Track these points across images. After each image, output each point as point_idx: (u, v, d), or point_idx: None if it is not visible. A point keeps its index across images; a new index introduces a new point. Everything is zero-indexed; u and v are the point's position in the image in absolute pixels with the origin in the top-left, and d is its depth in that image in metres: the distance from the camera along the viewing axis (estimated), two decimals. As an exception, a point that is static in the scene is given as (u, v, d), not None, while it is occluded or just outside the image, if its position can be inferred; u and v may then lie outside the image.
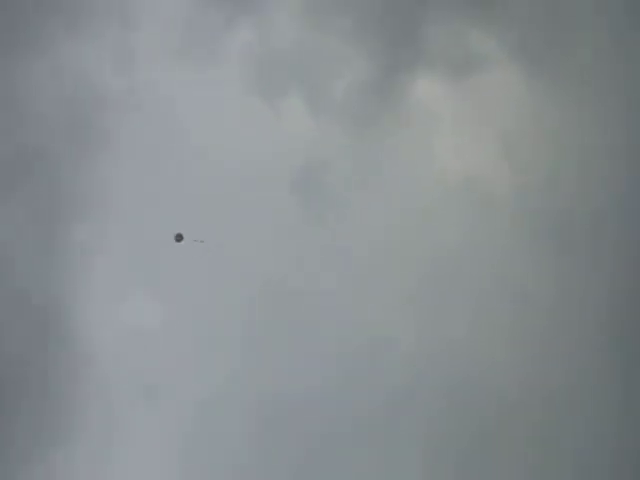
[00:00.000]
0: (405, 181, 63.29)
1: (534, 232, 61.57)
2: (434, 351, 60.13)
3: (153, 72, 61.72)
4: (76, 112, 59.63)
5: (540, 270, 61.04)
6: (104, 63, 60.92)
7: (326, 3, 64.35)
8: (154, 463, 57.42)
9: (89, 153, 59.60)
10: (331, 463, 59.03)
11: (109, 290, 59.25)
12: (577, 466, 58.54)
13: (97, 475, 56.75)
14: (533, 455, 59.92)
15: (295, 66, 64.47)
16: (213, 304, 59.53)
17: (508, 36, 65.17)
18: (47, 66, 59.63)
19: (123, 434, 57.45)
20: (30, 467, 55.65)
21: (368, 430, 59.07)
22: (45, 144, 58.71)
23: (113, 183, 59.69)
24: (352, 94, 64.47)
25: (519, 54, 64.79)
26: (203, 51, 62.96)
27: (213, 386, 58.17)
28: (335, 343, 59.89)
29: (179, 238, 57.14)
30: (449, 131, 64.60)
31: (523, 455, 60.07)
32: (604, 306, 60.92)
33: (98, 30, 61.27)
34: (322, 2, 64.35)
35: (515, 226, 61.71)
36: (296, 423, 58.33)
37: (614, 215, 61.60)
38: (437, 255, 61.59)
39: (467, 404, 59.88)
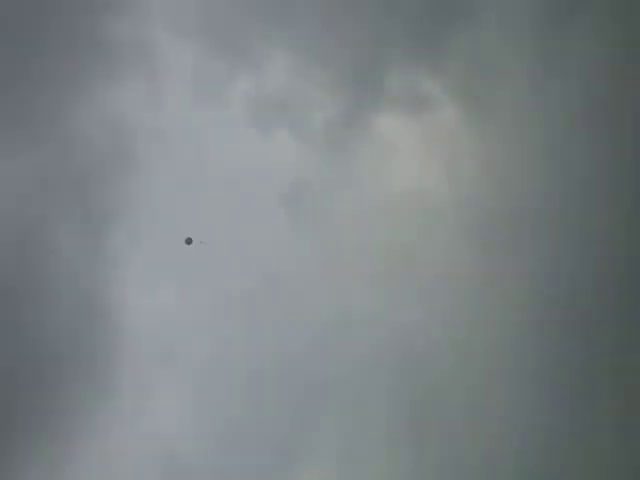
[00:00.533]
0: (370, 194, 74.94)
1: (468, 234, 72.77)
2: (392, 325, 71.50)
3: (173, 111, 73.18)
4: (115, 142, 70.96)
5: (472, 264, 72.65)
6: (136, 105, 72.23)
7: (308, 57, 76.02)
8: (173, 412, 69.88)
9: (125, 174, 71.02)
10: (315, 409, 70.60)
11: (139, 278, 70.75)
12: (504, 412, 69.83)
13: (131, 425, 67.75)
14: (467, 414, 71.14)
15: (284, 105, 75.88)
16: (219, 289, 71.10)
17: (451, 83, 77.22)
18: (92, 107, 71.39)
19: (150, 392, 69.18)
20: (80, 419, 66.49)
21: (344, 382, 70.37)
22: (92, 168, 70.21)
23: (143, 197, 71.06)
24: (329, 127, 76.08)
25: (459, 97, 76.87)
26: (212, 95, 74.78)
27: (219, 352, 70.15)
28: (316, 318, 71.11)
29: (189, 241, 65.50)
30: (404, 156, 76.09)
31: (461, 411, 71.36)
32: (525, 293, 72.12)
33: (131, 79, 73.02)
34: (305, 56, 75.88)
35: (454, 229, 72.97)
36: (286, 377, 69.58)
37: (533, 222, 73.47)
38: (394, 251, 72.59)
39: (416, 367, 71.23)
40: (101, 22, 72.55)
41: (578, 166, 72.90)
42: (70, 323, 67.50)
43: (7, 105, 68.34)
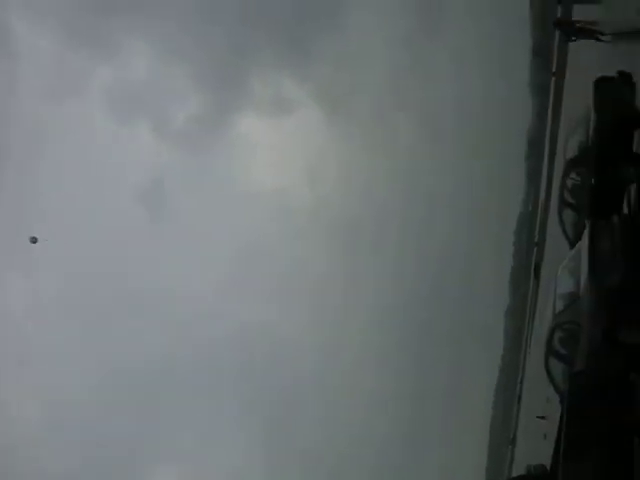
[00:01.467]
0: (229, 193, 75.96)
1: (326, 233, 74.92)
2: (246, 321, 72.45)
3: (30, 101, 70.94)
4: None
5: (328, 261, 74.45)
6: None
7: (173, 54, 76.40)
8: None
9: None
10: (167, 406, 70.56)
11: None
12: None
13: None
14: (323, 412, 73.70)
15: (145, 100, 76.35)
16: (70, 285, 70.32)
17: (314, 86, 79.05)
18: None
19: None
20: None
21: (194, 376, 70.26)
22: None
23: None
24: (191, 125, 76.94)
25: (321, 100, 78.83)
26: (72, 86, 74.01)
27: (68, 349, 69.32)
28: (171, 315, 71.17)
29: (34, 240, 66.37)
30: (264, 156, 77.69)
31: (318, 408, 73.40)
32: (383, 291, 74.63)
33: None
34: (170, 53, 76.22)
35: (310, 227, 74.90)
36: (136, 373, 68.57)
37: (391, 221, 75.86)
38: (249, 248, 73.90)
39: (268, 363, 72.68)
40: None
41: (442, 167, 75.39)
42: None
43: None
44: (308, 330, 72.96)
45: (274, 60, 76.97)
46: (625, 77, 9.75)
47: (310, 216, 75.34)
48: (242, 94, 76.86)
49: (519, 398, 44.84)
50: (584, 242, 8.91)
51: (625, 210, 9.87)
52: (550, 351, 9.24)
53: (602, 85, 9.68)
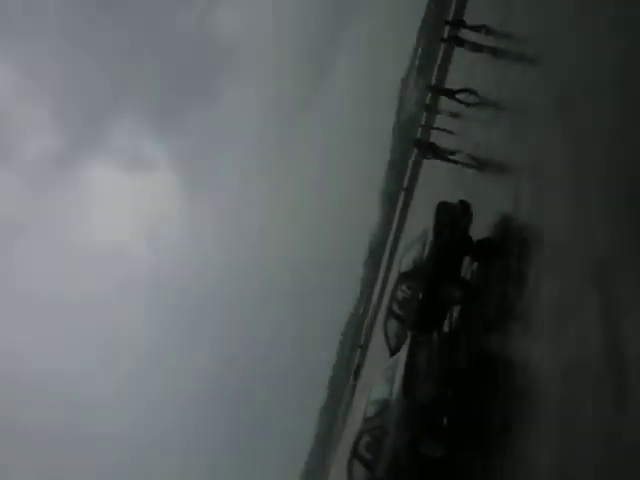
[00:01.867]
0: (65, 241, 73.64)
1: (156, 294, 74.08)
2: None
3: None
4: None
5: (165, 326, 73.37)
6: None
7: (37, 83, 74.31)
8: None
9: None
10: None
11: None
12: None
13: None
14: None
15: None
16: None
17: (175, 152, 79.57)
18: None
19: None
20: None
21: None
22: None
23: None
24: (41, 163, 74.47)
25: (179, 167, 79.40)
26: None
27: None
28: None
29: None
30: (108, 209, 76.43)
31: None
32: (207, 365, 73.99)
33: None
34: (34, 82, 74.31)
35: (148, 286, 74.01)
36: None
37: (221, 300, 75.98)
38: (88, 304, 71.95)
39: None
40: None
41: (283, 253, 76.94)
42: None
43: None
44: (124, 392, 71.17)
45: (141, 119, 76.97)
46: (465, 206, 10.38)
47: (144, 275, 74.55)
48: (101, 143, 76.00)
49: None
50: (403, 353, 9.23)
51: (445, 329, 10.37)
52: (355, 455, 9.31)
53: (443, 209, 10.26)
